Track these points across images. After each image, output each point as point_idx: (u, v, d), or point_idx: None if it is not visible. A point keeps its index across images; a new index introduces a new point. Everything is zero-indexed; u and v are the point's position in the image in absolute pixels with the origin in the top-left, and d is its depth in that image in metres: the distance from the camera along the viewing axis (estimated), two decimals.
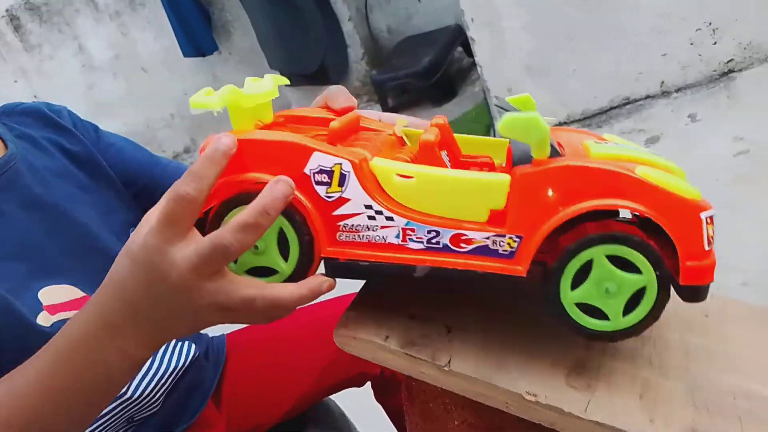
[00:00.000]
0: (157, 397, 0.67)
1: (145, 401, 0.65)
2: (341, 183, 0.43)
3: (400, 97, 2.83)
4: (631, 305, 0.42)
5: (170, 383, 0.69)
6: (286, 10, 2.66)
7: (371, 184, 0.44)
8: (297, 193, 0.43)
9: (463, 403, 0.49)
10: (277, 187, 0.41)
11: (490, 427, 0.50)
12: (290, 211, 0.44)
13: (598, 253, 0.41)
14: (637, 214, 0.41)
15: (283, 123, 0.53)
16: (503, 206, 0.42)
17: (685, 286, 0.41)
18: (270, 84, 0.47)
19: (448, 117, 0.59)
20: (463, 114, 2.43)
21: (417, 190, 0.43)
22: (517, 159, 0.43)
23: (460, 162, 0.52)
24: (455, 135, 0.54)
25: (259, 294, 0.42)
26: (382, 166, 0.44)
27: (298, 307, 0.44)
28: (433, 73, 2.50)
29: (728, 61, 2.01)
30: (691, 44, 2.00)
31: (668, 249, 0.41)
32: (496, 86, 2.10)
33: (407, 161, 0.48)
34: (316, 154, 0.43)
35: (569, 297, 0.42)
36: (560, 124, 2.08)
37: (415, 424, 0.53)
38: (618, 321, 0.42)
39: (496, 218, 0.42)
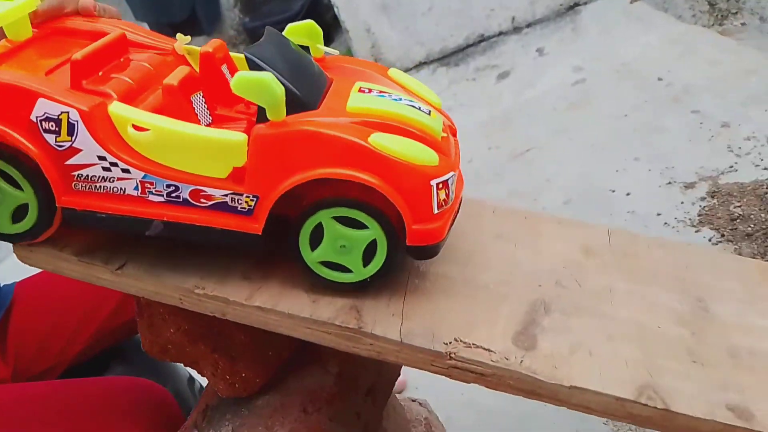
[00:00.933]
0: None
1: None
2: (70, 132, 0.42)
3: None
4: (368, 257, 0.44)
5: None
6: None
7: (105, 133, 0.42)
8: (25, 141, 0.42)
9: (175, 312, 0.52)
10: None
11: (204, 333, 0.53)
12: (21, 161, 0.42)
13: (325, 217, 0.42)
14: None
15: (49, 36, 0.49)
16: (243, 164, 0.42)
17: (411, 246, 0.43)
18: None
19: None
20: None
21: (155, 144, 0.42)
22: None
23: (230, 98, 0.50)
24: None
25: None
26: (119, 114, 0.42)
27: None
28: (305, 18, 2.46)
29: None
30: None
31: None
32: (354, 26, 2.10)
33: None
34: (41, 100, 0.41)
35: (311, 257, 0.44)
36: (420, 64, 2.11)
37: (144, 338, 0.55)
38: (360, 272, 0.44)
39: (237, 176, 0.42)
